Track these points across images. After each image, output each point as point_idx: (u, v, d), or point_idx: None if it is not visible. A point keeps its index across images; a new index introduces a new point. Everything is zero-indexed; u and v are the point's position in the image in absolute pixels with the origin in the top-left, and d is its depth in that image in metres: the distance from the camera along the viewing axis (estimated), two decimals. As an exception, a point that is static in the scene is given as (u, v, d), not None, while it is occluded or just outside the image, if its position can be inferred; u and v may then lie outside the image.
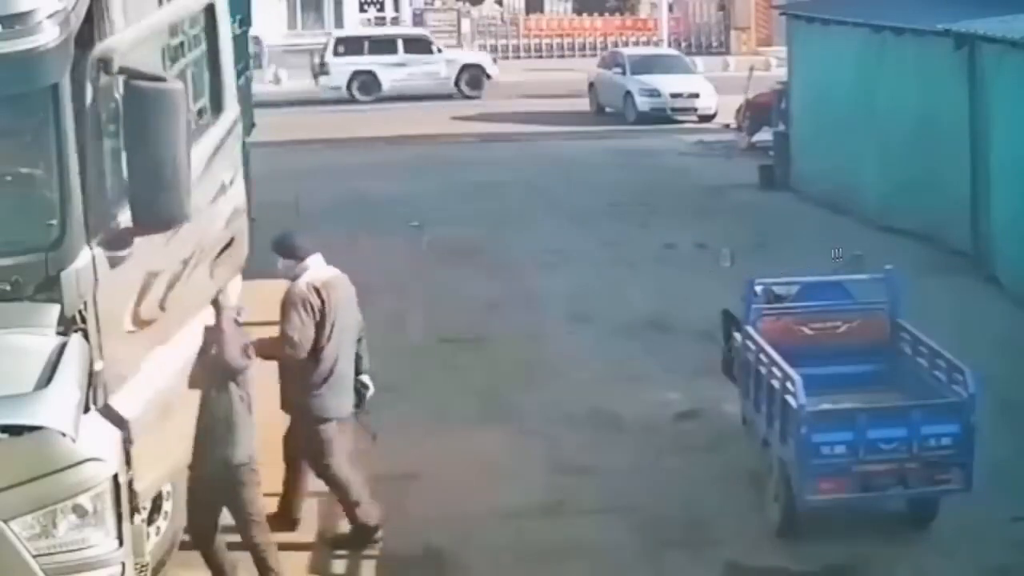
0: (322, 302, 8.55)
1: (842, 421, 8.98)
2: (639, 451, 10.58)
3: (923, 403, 9.20)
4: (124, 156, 6.44)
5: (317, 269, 8.75)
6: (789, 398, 9.02)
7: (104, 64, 6.28)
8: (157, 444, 6.73)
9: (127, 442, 6.30)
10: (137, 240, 6.61)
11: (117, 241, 6.43)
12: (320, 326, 8.51)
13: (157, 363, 7.01)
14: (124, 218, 6.54)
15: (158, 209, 6.42)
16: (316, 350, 8.53)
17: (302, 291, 8.55)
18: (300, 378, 8.59)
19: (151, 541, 7.75)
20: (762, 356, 9.67)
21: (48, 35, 6.06)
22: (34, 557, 5.78)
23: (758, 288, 10.44)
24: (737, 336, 10.43)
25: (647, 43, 46.83)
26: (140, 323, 6.83)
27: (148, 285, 6.87)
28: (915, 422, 8.95)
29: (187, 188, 6.55)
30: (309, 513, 9.42)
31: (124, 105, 6.37)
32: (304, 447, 8.81)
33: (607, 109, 33.77)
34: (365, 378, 9.05)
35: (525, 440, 10.81)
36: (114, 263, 6.46)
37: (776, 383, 9.31)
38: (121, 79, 6.41)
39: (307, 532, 9.20)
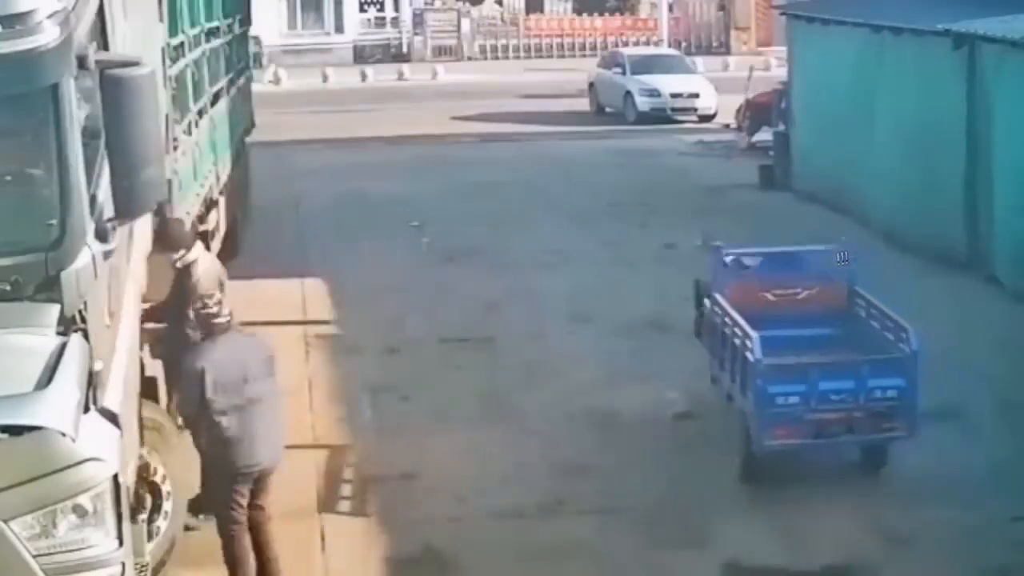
0: None
1: (795, 374, 9.82)
2: (638, 451, 10.58)
3: (870, 358, 10.05)
4: (104, 144, 6.45)
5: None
6: (748, 354, 9.92)
7: (80, 60, 6.28)
8: (130, 435, 6.75)
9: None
10: (119, 230, 6.67)
11: (102, 234, 6.44)
12: None
13: (119, 354, 7.02)
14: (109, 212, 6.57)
15: (140, 191, 6.48)
16: None
17: None
18: None
19: (151, 541, 7.77)
20: (727, 319, 10.56)
21: (48, 35, 6.06)
22: (34, 557, 5.78)
23: (727, 258, 11.33)
24: (706, 302, 11.30)
25: (647, 43, 46.86)
26: (111, 315, 6.86)
27: (114, 275, 6.92)
28: (862, 375, 9.77)
29: (163, 165, 6.68)
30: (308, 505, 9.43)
31: (101, 95, 6.38)
32: None
33: (607, 109, 33.78)
34: None
35: (525, 440, 10.81)
36: (103, 257, 6.50)
37: (737, 342, 10.24)
38: (97, 72, 6.42)
39: (308, 531, 9.21)
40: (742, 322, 10.21)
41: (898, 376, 9.85)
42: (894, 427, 9.85)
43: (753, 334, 9.91)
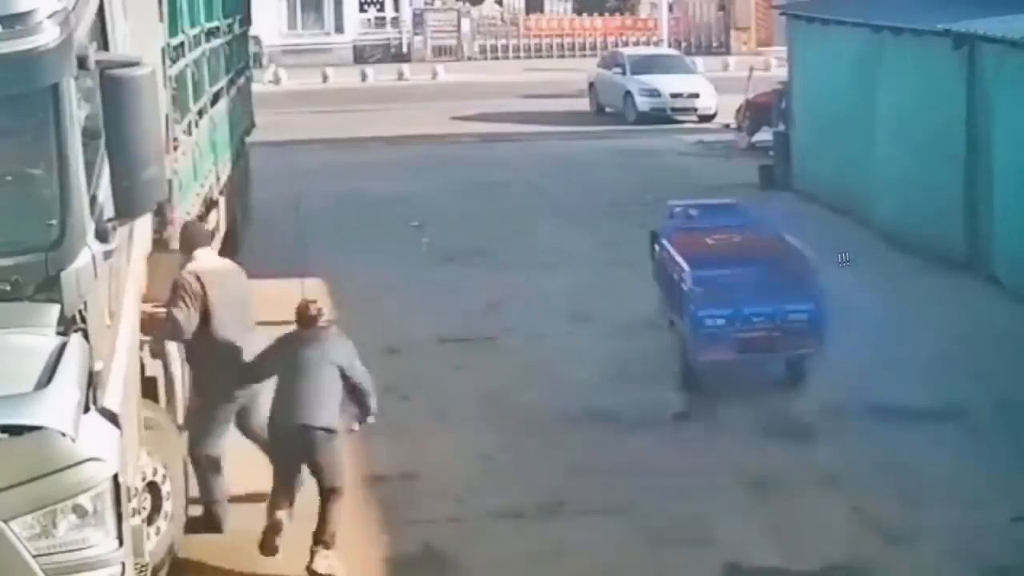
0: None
1: (722, 300, 11.58)
2: (639, 451, 10.58)
3: (784, 286, 11.77)
4: (104, 144, 6.45)
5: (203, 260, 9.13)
6: (683, 285, 11.82)
7: (80, 60, 6.28)
8: (130, 435, 6.75)
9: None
10: (119, 230, 6.67)
11: (102, 234, 6.44)
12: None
13: (119, 354, 7.02)
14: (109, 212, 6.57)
15: (140, 191, 6.48)
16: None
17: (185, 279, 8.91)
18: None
19: (151, 541, 7.77)
20: (671, 260, 12.37)
21: (48, 35, 6.05)
22: (34, 557, 5.77)
23: (676, 210, 13.73)
24: (656, 247, 13.20)
25: (647, 43, 46.85)
26: (111, 315, 6.86)
27: (114, 275, 6.92)
28: (779, 301, 11.57)
29: (163, 165, 6.67)
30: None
31: (101, 95, 6.38)
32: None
33: (607, 109, 33.78)
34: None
35: (525, 440, 10.81)
36: (103, 258, 6.50)
37: (676, 276, 12.09)
38: (97, 72, 6.42)
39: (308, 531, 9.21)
40: (680, 259, 12.17)
41: (808, 302, 11.64)
42: (806, 345, 11.69)
43: (687, 268, 11.91)
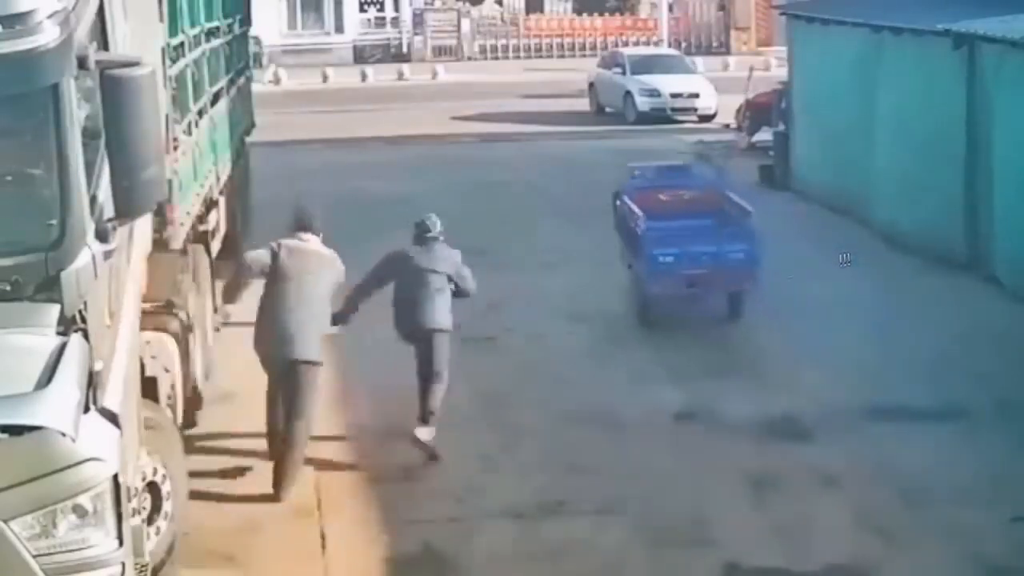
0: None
1: (670, 240, 13.74)
2: (639, 451, 10.59)
3: (724, 229, 14.08)
4: (104, 144, 6.45)
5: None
6: (638, 229, 13.96)
7: (80, 60, 6.28)
8: (130, 435, 6.75)
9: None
10: (119, 230, 6.66)
11: (102, 234, 6.44)
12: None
13: (119, 354, 7.02)
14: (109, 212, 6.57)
15: (140, 191, 6.48)
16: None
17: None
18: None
19: (151, 541, 7.77)
20: (630, 212, 14.49)
21: (48, 35, 6.05)
22: (34, 557, 5.77)
23: (636, 171, 16.03)
24: (617, 202, 15.39)
25: (647, 43, 46.86)
26: (111, 315, 6.86)
27: (114, 275, 6.91)
28: (720, 242, 13.69)
29: (163, 165, 6.71)
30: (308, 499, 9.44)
31: (101, 95, 6.38)
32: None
33: (607, 109, 33.79)
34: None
35: (525, 440, 10.81)
36: (103, 258, 6.49)
37: (634, 224, 14.20)
38: (97, 72, 6.42)
39: (308, 531, 9.21)
40: (636, 209, 14.35)
41: (744, 244, 13.69)
42: (743, 282, 13.79)
43: (641, 214, 14.10)
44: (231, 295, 10.73)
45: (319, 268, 10.25)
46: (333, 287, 10.38)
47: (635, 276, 14.34)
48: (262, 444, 10.36)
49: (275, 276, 10.12)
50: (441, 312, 10.64)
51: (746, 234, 13.87)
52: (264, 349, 10.16)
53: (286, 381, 9.98)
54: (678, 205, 14.93)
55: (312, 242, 10.47)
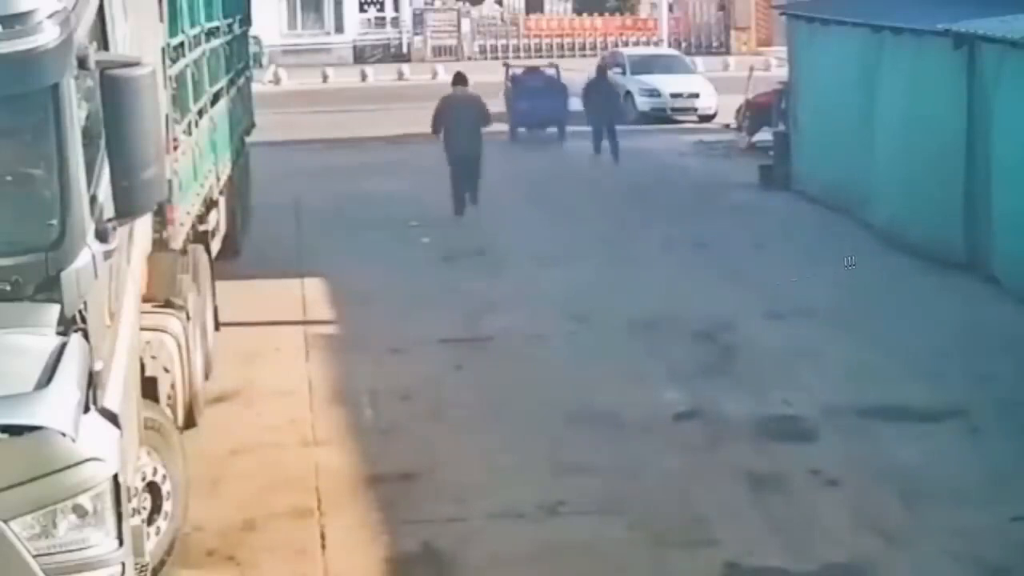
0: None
1: (523, 96, 29.30)
2: (639, 451, 10.58)
3: (552, 89, 29.63)
4: (104, 144, 6.45)
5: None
6: (512, 96, 29.74)
7: (80, 60, 6.28)
8: (130, 435, 6.75)
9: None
10: (119, 230, 6.67)
11: (102, 234, 6.44)
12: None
13: (119, 354, 7.02)
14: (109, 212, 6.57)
15: (140, 191, 6.48)
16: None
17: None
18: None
19: (151, 541, 7.77)
20: (510, 89, 30.40)
21: (48, 35, 6.05)
22: (34, 557, 5.77)
23: (515, 71, 31.64)
24: (506, 83, 30.78)
25: (647, 43, 46.89)
26: (111, 315, 6.86)
27: (114, 275, 6.92)
28: (550, 99, 28.94)
29: (163, 165, 6.71)
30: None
31: (101, 95, 6.38)
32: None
33: (607, 109, 33.75)
34: None
35: (525, 440, 10.81)
36: (103, 258, 6.49)
37: (510, 94, 29.48)
38: (97, 72, 6.42)
39: (308, 531, 9.22)
40: (512, 86, 29.85)
41: (559, 102, 28.76)
42: (560, 122, 28.29)
43: (514, 88, 29.72)
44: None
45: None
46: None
47: (511, 116, 29.11)
48: (262, 444, 10.36)
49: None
50: (478, 141, 19.78)
51: (560, 100, 28.98)
52: None
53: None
54: (532, 83, 30.24)
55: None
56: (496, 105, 24.51)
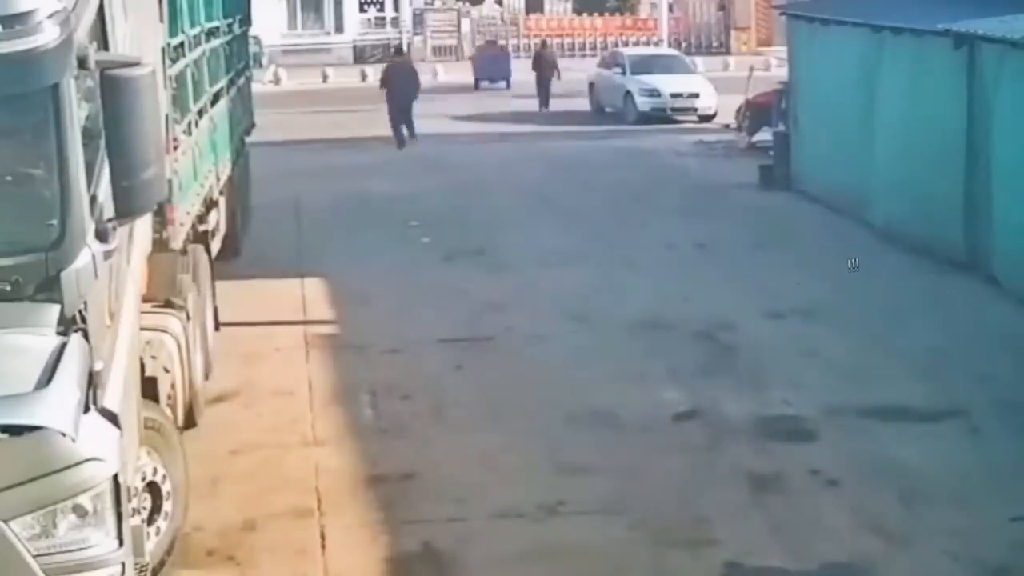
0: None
1: (482, 61, 44.23)
2: (639, 451, 10.58)
3: (500, 56, 44.03)
4: (104, 144, 6.45)
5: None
6: (478, 63, 44.57)
7: (80, 60, 6.28)
8: (130, 435, 6.76)
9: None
10: (119, 230, 6.67)
11: (102, 234, 6.44)
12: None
13: (119, 354, 7.02)
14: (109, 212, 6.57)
15: (140, 191, 6.48)
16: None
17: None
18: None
19: (151, 541, 7.77)
20: (477, 59, 45.27)
21: (48, 35, 6.05)
22: (34, 557, 5.77)
23: (485, 51, 45.98)
24: (476, 57, 45.38)
25: (647, 43, 46.91)
26: (111, 315, 6.86)
27: (114, 275, 6.92)
28: (499, 62, 43.71)
29: (163, 165, 6.73)
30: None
31: (101, 96, 6.38)
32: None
33: (607, 109, 33.81)
34: None
35: (525, 440, 10.81)
36: (103, 258, 6.49)
37: (479, 62, 44.31)
38: (97, 72, 6.42)
39: (308, 531, 9.22)
40: (479, 56, 44.78)
41: (504, 65, 43.21)
42: (506, 78, 42.72)
43: (476, 53, 45.90)
44: None
45: None
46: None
47: (475, 72, 42.76)
48: (262, 444, 10.35)
49: None
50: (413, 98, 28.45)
51: (505, 64, 42.53)
52: None
53: None
54: (490, 55, 43.57)
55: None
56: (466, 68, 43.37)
